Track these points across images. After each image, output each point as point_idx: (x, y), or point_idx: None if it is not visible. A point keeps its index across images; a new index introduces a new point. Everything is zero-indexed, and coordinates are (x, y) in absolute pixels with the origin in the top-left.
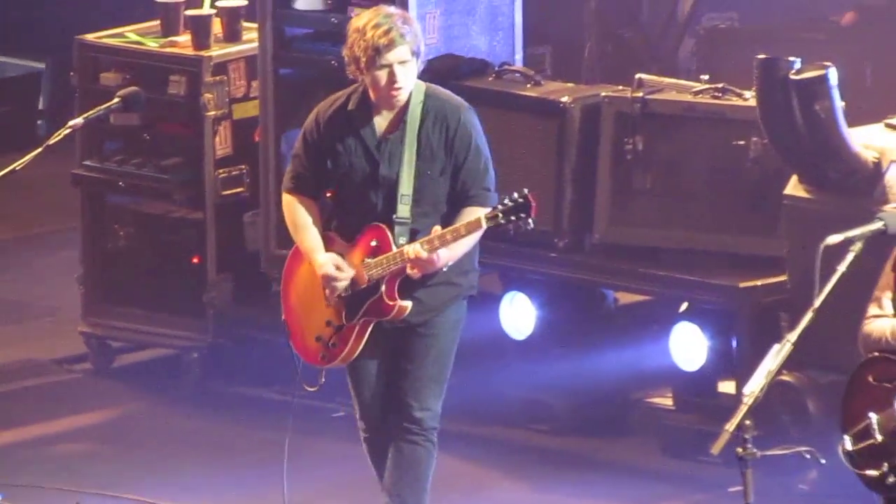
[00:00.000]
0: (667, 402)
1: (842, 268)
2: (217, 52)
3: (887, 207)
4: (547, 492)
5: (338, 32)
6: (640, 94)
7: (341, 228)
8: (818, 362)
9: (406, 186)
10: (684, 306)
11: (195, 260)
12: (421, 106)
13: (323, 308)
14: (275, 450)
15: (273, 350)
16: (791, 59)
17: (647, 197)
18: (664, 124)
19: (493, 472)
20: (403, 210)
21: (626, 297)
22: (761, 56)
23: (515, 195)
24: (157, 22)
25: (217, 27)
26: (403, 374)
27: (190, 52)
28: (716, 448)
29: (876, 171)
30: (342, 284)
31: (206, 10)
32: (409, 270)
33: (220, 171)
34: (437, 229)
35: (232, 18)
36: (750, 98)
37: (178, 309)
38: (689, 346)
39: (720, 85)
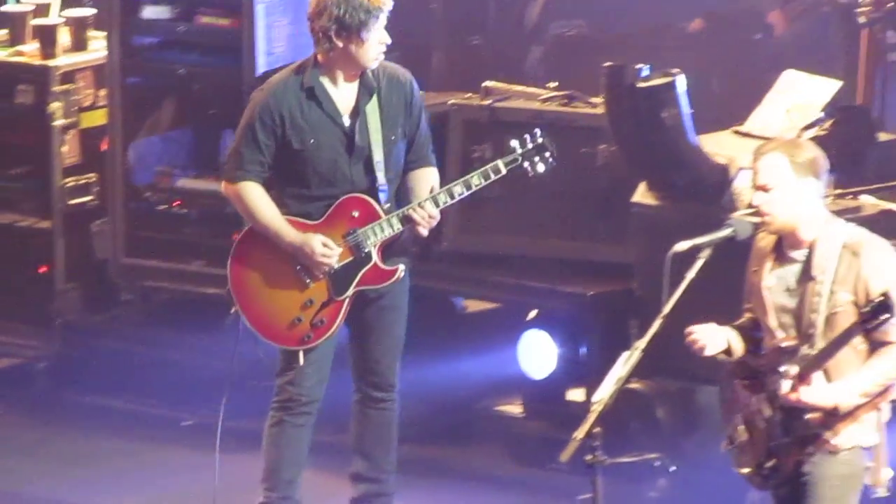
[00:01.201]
0: (516, 409)
1: (690, 275)
2: (64, 61)
3: (736, 214)
4: (397, 499)
5: (185, 41)
6: (488, 102)
7: (304, 211)
8: (667, 370)
9: (378, 153)
10: (533, 314)
11: (43, 269)
12: (373, 74)
13: (297, 289)
14: (124, 459)
15: (122, 359)
16: (639, 66)
17: (495, 204)
18: (512, 132)
19: (341, 479)
20: (381, 177)
21: (475, 305)
22: (609, 63)
23: (530, 137)
24: (5, 31)
25: (64, 36)
26: (371, 345)
27: (37, 61)
28: (565, 455)
29: (724, 179)
30: (334, 259)
31: (53, 19)
32: (421, 231)
33: (68, 180)
34: (435, 187)
35: (79, 27)
36: (598, 105)
37: (26, 319)
38: (538, 354)
39: (568, 92)
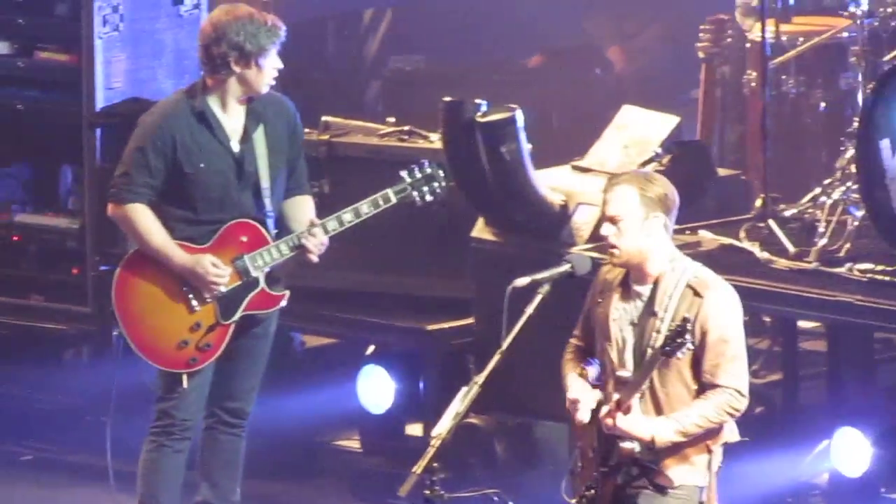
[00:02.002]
0: (354, 444)
1: (529, 310)
2: None
3: (574, 250)
4: None
5: (24, 77)
6: (327, 137)
7: (189, 235)
8: (506, 405)
9: (265, 180)
10: (371, 349)
11: None
12: (259, 101)
13: (185, 312)
14: None
15: None
16: (477, 101)
17: (334, 239)
18: (351, 167)
19: None
20: (269, 203)
21: (313, 340)
22: (447, 98)
23: (418, 168)
24: None
25: None
26: (238, 372)
27: None
28: (404, 490)
29: (563, 214)
30: (224, 280)
31: None
32: (312, 258)
33: None
34: (314, 219)
35: None
36: (436, 140)
37: None
38: (376, 389)
39: (406, 127)
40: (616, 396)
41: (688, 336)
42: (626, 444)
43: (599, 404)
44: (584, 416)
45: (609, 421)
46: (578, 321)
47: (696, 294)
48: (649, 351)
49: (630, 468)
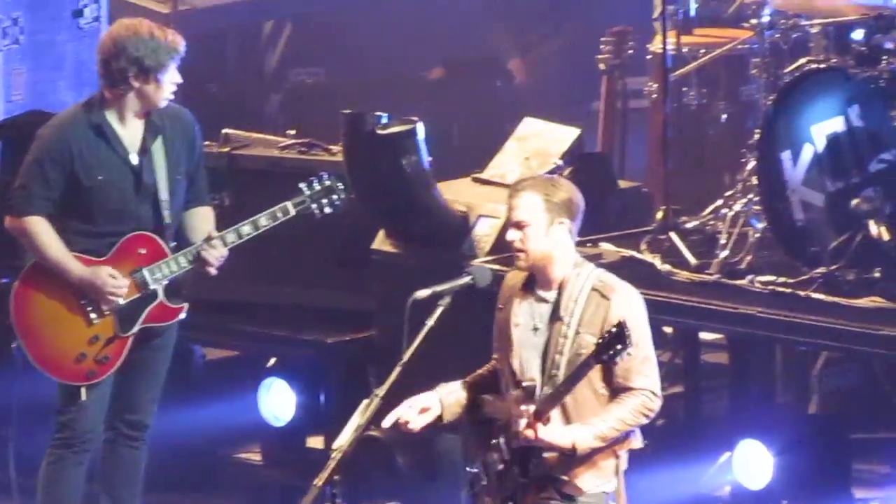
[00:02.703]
0: (256, 457)
1: (430, 322)
2: None
3: (476, 262)
4: None
5: None
6: (227, 150)
7: (87, 247)
8: None
9: (164, 192)
10: (272, 361)
11: None
12: (158, 114)
13: (83, 325)
14: None
15: None
16: (378, 113)
17: (234, 251)
18: (251, 179)
19: None
20: (168, 216)
21: (214, 353)
22: (347, 111)
23: (318, 180)
24: None
25: None
26: (137, 384)
27: None
28: (305, 503)
29: (464, 226)
30: (122, 291)
31: None
32: (211, 270)
33: None
34: (212, 231)
35: None
36: (336, 153)
37: None
38: (277, 402)
39: (306, 140)
40: (527, 407)
41: (628, 341)
42: (549, 455)
43: (504, 415)
44: (388, 420)
45: (530, 433)
46: (494, 339)
47: (603, 296)
48: (557, 357)
49: (542, 479)
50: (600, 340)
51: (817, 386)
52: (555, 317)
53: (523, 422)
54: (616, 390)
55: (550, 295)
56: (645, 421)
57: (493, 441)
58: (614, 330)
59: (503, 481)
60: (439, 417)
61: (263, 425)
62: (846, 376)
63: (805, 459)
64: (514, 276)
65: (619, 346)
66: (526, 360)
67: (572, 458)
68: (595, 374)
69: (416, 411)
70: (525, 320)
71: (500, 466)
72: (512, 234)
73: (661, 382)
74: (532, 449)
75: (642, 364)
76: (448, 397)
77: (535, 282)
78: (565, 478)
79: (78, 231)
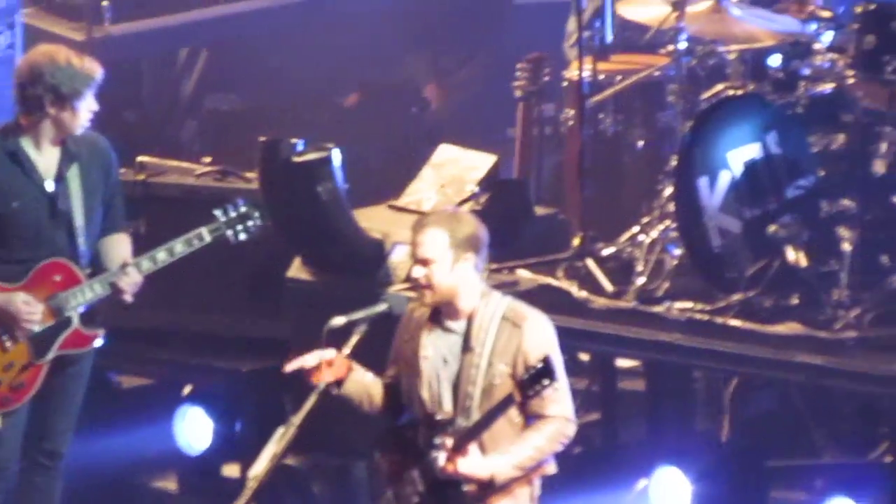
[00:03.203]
0: (171, 485)
1: (346, 350)
2: None
3: (391, 289)
4: None
5: None
6: (143, 177)
7: (4, 274)
8: (323, 446)
9: (80, 219)
10: (188, 389)
11: None
12: (74, 141)
13: None
14: None
15: None
16: (294, 140)
17: (150, 279)
18: (167, 206)
19: None
20: (83, 243)
21: (129, 381)
22: (263, 138)
23: (233, 207)
24: None
25: None
26: (52, 412)
27: None
28: None
29: (379, 253)
30: (37, 317)
31: None
32: (126, 298)
33: None
34: (127, 258)
35: None
36: (252, 180)
37: None
38: (193, 430)
39: (222, 167)
40: (443, 440)
41: (554, 375)
42: (469, 487)
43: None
44: (292, 365)
45: (450, 466)
46: (389, 361)
47: (515, 325)
48: (470, 388)
49: None
50: (526, 377)
51: (730, 412)
52: (466, 347)
53: (442, 456)
54: (530, 418)
55: (459, 326)
56: (560, 448)
57: (406, 473)
58: (540, 366)
59: None
60: (340, 381)
61: (179, 453)
62: (763, 403)
63: (722, 486)
64: (417, 307)
65: (545, 382)
66: (437, 392)
67: (489, 488)
68: None
69: (322, 361)
70: (434, 352)
71: (416, 499)
72: (417, 271)
73: (578, 410)
74: (450, 482)
75: (555, 391)
76: (358, 373)
77: (441, 313)
78: None
79: None
